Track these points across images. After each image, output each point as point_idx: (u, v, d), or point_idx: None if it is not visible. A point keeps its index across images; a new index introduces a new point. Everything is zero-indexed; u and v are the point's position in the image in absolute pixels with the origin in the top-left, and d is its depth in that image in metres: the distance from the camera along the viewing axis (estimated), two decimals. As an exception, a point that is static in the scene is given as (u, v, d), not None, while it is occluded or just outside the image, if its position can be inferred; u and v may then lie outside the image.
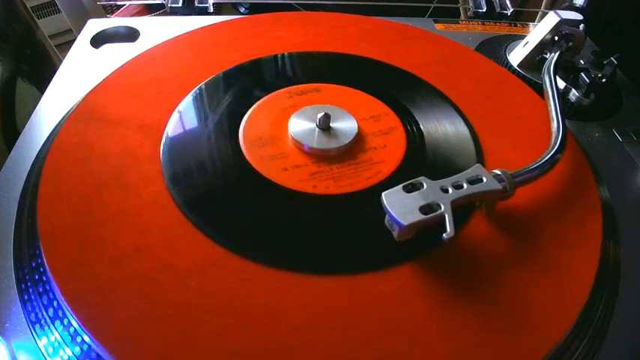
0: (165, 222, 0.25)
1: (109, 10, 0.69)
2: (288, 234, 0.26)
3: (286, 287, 0.23)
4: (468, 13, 0.51)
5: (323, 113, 0.30)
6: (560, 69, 0.36)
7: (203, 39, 0.39)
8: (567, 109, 0.35)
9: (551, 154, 0.27)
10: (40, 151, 0.31)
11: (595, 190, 0.29)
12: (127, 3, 0.62)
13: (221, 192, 0.28)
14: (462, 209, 0.26)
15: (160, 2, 0.49)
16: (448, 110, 0.34)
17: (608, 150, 0.34)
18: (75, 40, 0.41)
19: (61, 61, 0.39)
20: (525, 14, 0.57)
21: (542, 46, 0.38)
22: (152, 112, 0.32)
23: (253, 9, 0.61)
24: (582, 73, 0.35)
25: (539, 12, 0.56)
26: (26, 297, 0.23)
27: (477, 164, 0.26)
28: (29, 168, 0.30)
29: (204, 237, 0.25)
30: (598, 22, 0.49)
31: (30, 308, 0.23)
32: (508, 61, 0.40)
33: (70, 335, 0.21)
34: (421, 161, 0.30)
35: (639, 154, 0.33)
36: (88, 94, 0.33)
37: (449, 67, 0.38)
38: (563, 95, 0.35)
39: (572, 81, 0.36)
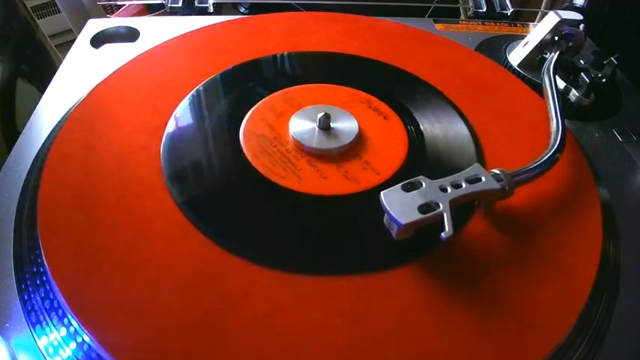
0: (166, 222, 0.25)
1: (109, 10, 0.69)
2: (287, 235, 0.26)
3: (284, 287, 0.23)
4: (468, 13, 0.51)
5: (323, 113, 0.30)
6: (560, 69, 0.36)
7: (203, 39, 0.39)
8: (567, 109, 0.35)
9: (550, 154, 0.27)
10: (39, 150, 0.31)
11: (594, 190, 0.29)
12: (127, 3, 0.62)
13: (221, 193, 0.28)
14: (462, 209, 0.26)
15: (160, 2, 0.49)
16: (448, 110, 0.34)
17: (608, 150, 0.34)
18: (75, 40, 0.41)
19: (61, 61, 0.39)
20: (525, 14, 0.57)
21: (542, 46, 0.38)
22: (152, 111, 0.32)
23: (253, 9, 0.61)
24: (582, 73, 0.35)
25: (539, 12, 0.56)
26: (26, 297, 0.23)
27: (476, 164, 0.26)
28: (29, 168, 0.30)
29: (205, 237, 0.25)
30: (598, 22, 0.49)
31: (30, 308, 0.23)
32: (508, 61, 0.40)
33: (70, 335, 0.21)
34: (421, 161, 0.30)
35: (639, 154, 0.33)
36: (87, 93, 0.33)
37: (449, 67, 0.38)
38: (563, 95, 0.35)
39: (572, 81, 0.36)
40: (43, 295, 0.23)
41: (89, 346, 0.21)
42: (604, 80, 0.36)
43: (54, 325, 0.22)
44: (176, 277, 0.23)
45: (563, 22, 0.37)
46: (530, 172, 0.26)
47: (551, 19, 0.37)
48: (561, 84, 0.35)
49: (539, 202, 0.28)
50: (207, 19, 0.44)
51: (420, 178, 0.24)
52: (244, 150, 0.29)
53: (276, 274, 0.23)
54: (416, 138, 0.31)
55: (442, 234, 0.22)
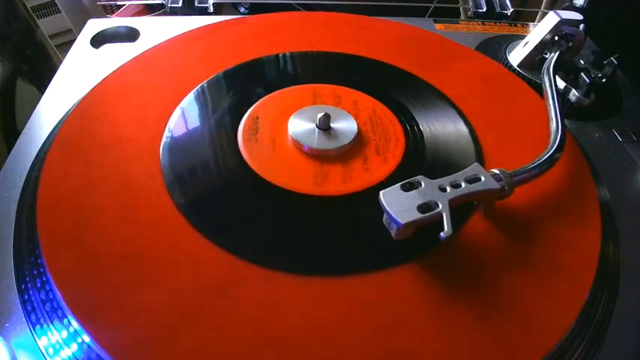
0: (166, 223, 0.25)
1: (109, 10, 0.69)
2: (286, 235, 0.26)
3: (283, 288, 0.23)
4: (468, 13, 0.51)
5: (323, 113, 0.30)
6: (560, 69, 0.36)
7: (202, 39, 0.39)
8: (567, 109, 0.35)
9: (549, 154, 0.27)
10: (39, 151, 0.31)
11: (594, 190, 0.29)
12: (127, 3, 0.62)
13: (220, 194, 0.28)
14: (461, 209, 0.26)
15: (160, 2, 0.49)
16: (448, 110, 0.34)
17: (608, 150, 0.34)
18: (75, 40, 0.41)
19: (61, 61, 0.39)
20: (525, 14, 0.57)
21: (542, 46, 0.38)
22: (152, 112, 0.32)
23: (253, 9, 0.61)
24: (582, 73, 0.35)
25: (539, 12, 0.56)
26: (26, 297, 0.23)
27: (475, 163, 0.26)
28: (29, 168, 0.30)
29: (205, 238, 0.25)
30: (598, 22, 0.49)
31: (30, 308, 0.23)
32: (508, 61, 0.40)
33: (70, 335, 0.21)
34: (420, 161, 0.30)
35: (639, 154, 0.33)
36: (87, 93, 0.33)
37: (449, 67, 0.38)
38: (563, 95, 0.35)
39: (572, 81, 0.36)
40: (43, 295, 0.23)
41: (89, 346, 0.21)
42: (604, 80, 0.36)
43: (54, 326, 0.22)
44: (176, 278, 0.23)
45: (563, 22, 0.37)
46: (530, 171, 0.26)
47: (551, 19, 0.37)
48: (561, 84, 0.35)
49: (539, 202, 0.28)
50: (207, 19, 0.44)
51: (420, 177, 0.24)
52: (243, 151, 0.29)
53: (276, 275, 0.23)
54: (415, 138, 0.31)
55: (441, 234, 0.22)
